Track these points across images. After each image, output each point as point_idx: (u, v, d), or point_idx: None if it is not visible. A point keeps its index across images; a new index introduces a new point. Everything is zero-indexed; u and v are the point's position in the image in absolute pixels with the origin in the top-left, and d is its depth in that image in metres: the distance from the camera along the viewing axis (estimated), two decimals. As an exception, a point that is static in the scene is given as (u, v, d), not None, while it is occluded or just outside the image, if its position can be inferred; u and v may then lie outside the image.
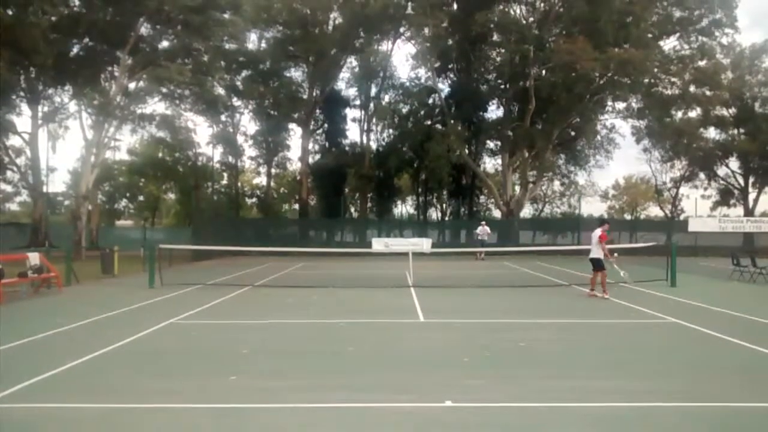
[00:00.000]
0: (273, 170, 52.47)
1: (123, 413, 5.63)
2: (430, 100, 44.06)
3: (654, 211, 62.86)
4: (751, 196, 47.70)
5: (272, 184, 54.99)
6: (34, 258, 15.57)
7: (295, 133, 49.03)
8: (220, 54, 37.51)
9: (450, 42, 40.05)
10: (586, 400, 5.95)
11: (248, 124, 49.61)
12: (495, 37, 39.89)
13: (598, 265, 14.22)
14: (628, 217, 65.42)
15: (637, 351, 8.49)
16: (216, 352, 8.36)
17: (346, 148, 47.40)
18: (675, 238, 33.85)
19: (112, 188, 61.68)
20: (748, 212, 46.07)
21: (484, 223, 32.08)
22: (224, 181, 53.50)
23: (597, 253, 14.24)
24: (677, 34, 40.44)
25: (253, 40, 44.79)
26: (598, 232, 14.33)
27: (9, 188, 45.77)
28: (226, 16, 35.18)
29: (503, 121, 41.82)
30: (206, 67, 35.90)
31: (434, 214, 55.86)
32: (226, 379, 6.79)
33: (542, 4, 38.89)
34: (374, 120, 45.91)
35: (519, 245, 35.06)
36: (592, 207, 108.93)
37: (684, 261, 22.58)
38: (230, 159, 49.49)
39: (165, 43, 36.27)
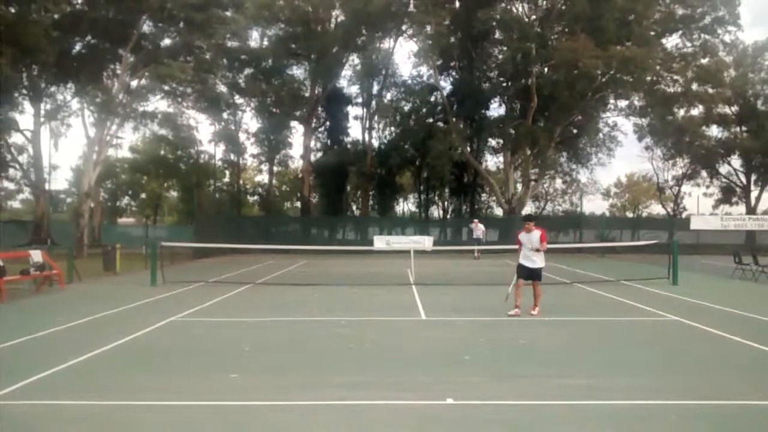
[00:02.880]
0: (275, 168, 52.55)
1: (124, 410, 5.64)
2: (432, 98, 43.98)
3: (656, 209, 62.89)
4: (754, 194, 47.75)
5: (274, 181, 55.07)
6: (36, 255, 15.60)
7: (297, 131, 49.15)
8: (222, 52, 37.50)
9: (452, 40, 39.98)
10: (588, 398, 5.95)
11: (250, 121, 49.98)
12: (497, 35, 39.78)
13: (540, 275, 11.54)
14: (630, 215, 65.38)
15: (639, 349, 8.49)
16: (217, 350, 8.37)
17: (348, 146, 47.36)
18: (677, 236, 33.81)
19: (115, 186, 61.74)
20: (751, 210, 46.04)
21: (476, 220, 31.77)
22: (226, 179, 53.58)
23: (541, 259, 11.40)
24: (680, 32, 40.29)
25: (255, 38, 44.81)
26: (537, 234, 11.26)
27: (11, 186, 45.82)
28: (228, 13, 35.16)
29: (505, 119, 41.72)
30: (208, 64, 35.90)
31: (436, 211, 55.92)
32: (228, 377, 6.81)
33: (544, 2, 38.81)
34: (376, 118, 45.90)
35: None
36: (594, 205, 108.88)
37: (686, 259, 22.56)
38: (232, 157, 49.50)
39: (167, 41, 36.24)
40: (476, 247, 28.90)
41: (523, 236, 11.42)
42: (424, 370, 7.13)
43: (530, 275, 11.38)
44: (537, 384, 6.49)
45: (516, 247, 11.82)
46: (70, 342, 8.80)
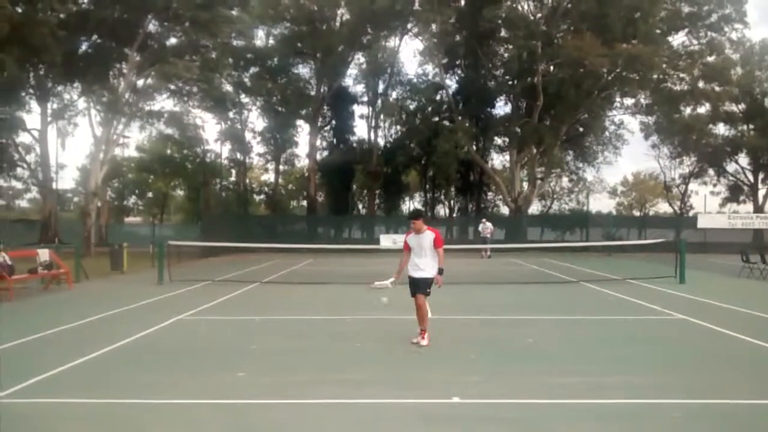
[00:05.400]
0: (281, 167, 52.58)
1: (131, 409, 5.67)
2: (438, 97, 43.95)
3: (663, 207, 62.66)
4: (761, 192, 47.45)
5: (280, 180, 55.10)
6: (44, 254, 15.67)
7: (302, 130, 49.18)
8: (227, 51, 37.52)
9: (458, 38, 39.94)
10: (594, 397, 5.96)
11: (256, 120, 49.69)
12: (503, 33, 39.75)
13: (427, 286, 8.54)
14: (636, 213, 65.17)
15: (645, 347, 8.47)
16: (224, 348, 8.41)
17: (354, 145, 47.40)
18: (684, 234, 33.70)
19: (121, 185, 61.91)
20: (758, 209, 45.77)
21: (485, 220, 31.71)
22: (232, 178, 53.59)
23: (431, 267, 8.49)
24: (686, 30, 40.14)
25: (260, 37, 44.89)
26: (429, 236, 8.42)
27: (19, 185, 45.92)
28: (234, 12, 35.18)
29: (511, 118, 41.69)
30: (214, 63, 35.90)
31: (442, 210, 55.85)
32: (234, 375, 6.83)
33: (550, 0, 38.71)
34: (382, 116, 45.86)
35: (527, 242, 35.01)
36: (601, 203, 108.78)
37: (693, 257, 22.48)
38: (238, 156, 49.58)
39: (173, 40, 36.27)
40: (484, 246, 28.90)
41: (411, 239, 8.55)
42: (430, 369, 7.14)
43: (416, 288, 8.55)
44: (543, 382, 6.49)
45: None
46: (77, 340, 8.85)
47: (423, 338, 8.52)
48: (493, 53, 41.90)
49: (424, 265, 8.43)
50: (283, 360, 7.68)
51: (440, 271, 8.43)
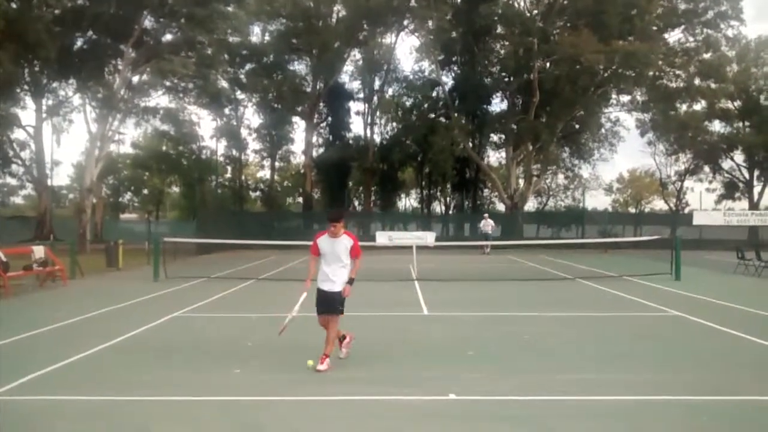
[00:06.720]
0: (277, 163, 52.61)
1: (127, 406, 5.64)
2: (434, 93, 43.99)
3: (658, 204, 62.74)
4: (756, 189, 47.56)
5: (276, 177, 55.08)
6: (39, 251, 15.64)
7: (298, 127, 49.32)
8: (223, 47, 37.44)
9: (454, 35, 39.93)
10: (590, 393, 5.96)
11: (252, 117, 49.94)
12: (499, 30, 39.76)
13: (339, 304, 7.13)
14: (632, 210, 65.29)
15: (641, 344, 8.49)
16: (220, 345, 8.38)
17: (350, 142, 47.35)
18: (679, 231, 33.79)
19: (117, 181, 61.76)
20: (753, 206, 45.89)
21: (486, 216, 31.73)
22: (228, 175, 53.59)
23: (343, 279, 7.16)
24: (682, 27, 40.18)
25: (256, 33, 44.80)
26: (347, 242, 7.11)
27: (14, 182, 45.75)
28: (230, 9, 35.09)
29: (507, 114, 41.72)
30: (210, 60, 35.80)
31: (438, 207, 55.90)
32: (230, 372, 6.82)
33: (546, -4, 38.78)
34: (378, 113, 45.89)
35: (523, 239, 35.06)
36: (597, 200, 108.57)
37: (688, 254, 22.47)
38: (234, 152, 49.60)
39: (168, 37, 36.18)
40: (483, 243, 28.94)
41: (323, 242, 7.13)
42: (427, 366, 7.14)
43: (327, 306, 7.15)
44: (540, 379, 6.50)
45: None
46: (72, 337, 8.82)
47: (322, 363, 6.90)
48: (490, 50, 41.93)
49: (336, 275, 7.08)
50: (278, 357, 7.67)
51: (351, 281, 7.18)
